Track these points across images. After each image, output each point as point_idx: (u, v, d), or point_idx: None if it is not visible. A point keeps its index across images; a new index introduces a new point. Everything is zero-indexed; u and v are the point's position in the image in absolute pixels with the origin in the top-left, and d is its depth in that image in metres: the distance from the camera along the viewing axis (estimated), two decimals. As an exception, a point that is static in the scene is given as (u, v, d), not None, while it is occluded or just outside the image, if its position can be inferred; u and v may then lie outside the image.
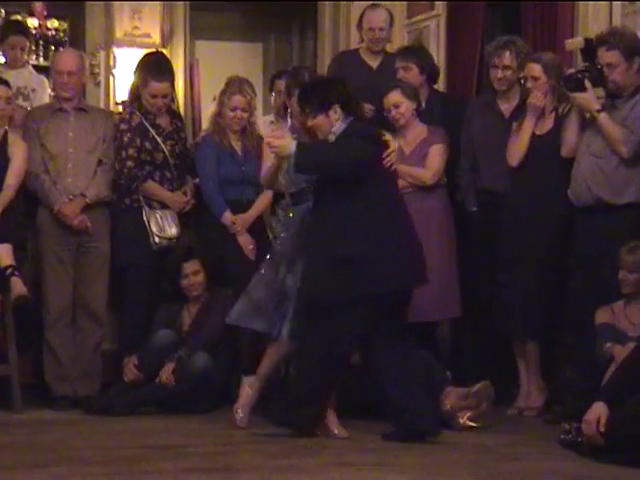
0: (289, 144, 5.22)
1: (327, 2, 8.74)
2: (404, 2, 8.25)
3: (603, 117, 5.73)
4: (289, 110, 5.89)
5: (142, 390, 6.18)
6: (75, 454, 4.80)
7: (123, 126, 6.45)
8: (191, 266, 6.28)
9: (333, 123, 5.36)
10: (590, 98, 5.77)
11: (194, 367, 6.09)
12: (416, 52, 6.96)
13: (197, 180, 6.60)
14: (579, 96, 5.80)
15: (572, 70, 6.01)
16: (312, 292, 5.33)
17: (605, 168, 5.76)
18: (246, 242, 6.34)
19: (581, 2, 6.69)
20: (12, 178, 6.25)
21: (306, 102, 5.43)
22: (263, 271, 5.56)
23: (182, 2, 8.33)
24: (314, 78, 5.84)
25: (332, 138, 5.36)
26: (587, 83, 5.73)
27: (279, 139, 5.31)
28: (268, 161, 5.54)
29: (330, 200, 5.38)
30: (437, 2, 8.07)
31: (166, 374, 6.07)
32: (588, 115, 5.78)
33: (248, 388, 5.52)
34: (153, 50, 7.35)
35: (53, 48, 8.89)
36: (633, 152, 5.64)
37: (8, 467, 4.43)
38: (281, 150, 5.23)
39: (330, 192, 5.33)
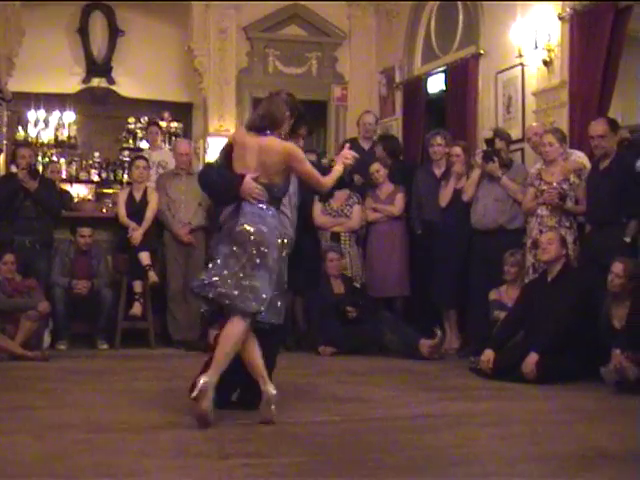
0: None
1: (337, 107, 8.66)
2: (378, 110, 8.27)
3: (505, 179, 5.78)
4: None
5: None
6: None
7: None
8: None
9: None
10: (496, 167, 5.77)
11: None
12: (383, 139, 7.11)
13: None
14: (490, 166, 5.79)
15: (480, 150, 6.04)
16: None
17: (504, 207, 5.79)
18: None
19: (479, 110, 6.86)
20: (150, 213, 6.50)
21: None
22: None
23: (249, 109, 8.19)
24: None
25: None
26: (495, 158, 5.81)
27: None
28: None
29: None
30: (397, 109, 8.18)
31: None
32: (497, 177, 5.75)
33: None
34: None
35: (174, 139, 8.75)
36: (522, 197, 5.65)
37: None
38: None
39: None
